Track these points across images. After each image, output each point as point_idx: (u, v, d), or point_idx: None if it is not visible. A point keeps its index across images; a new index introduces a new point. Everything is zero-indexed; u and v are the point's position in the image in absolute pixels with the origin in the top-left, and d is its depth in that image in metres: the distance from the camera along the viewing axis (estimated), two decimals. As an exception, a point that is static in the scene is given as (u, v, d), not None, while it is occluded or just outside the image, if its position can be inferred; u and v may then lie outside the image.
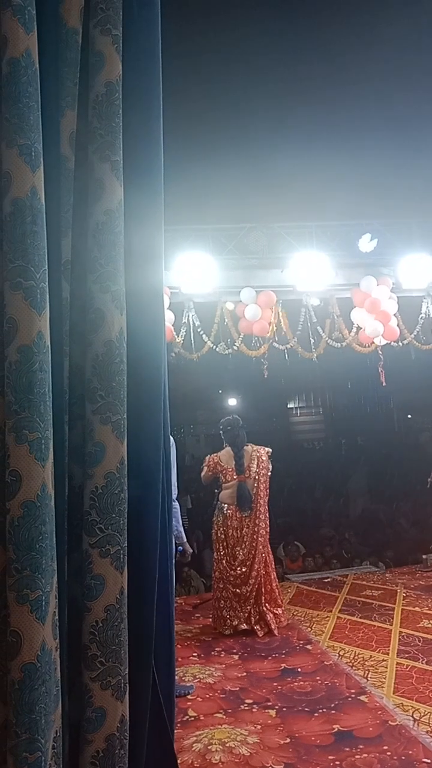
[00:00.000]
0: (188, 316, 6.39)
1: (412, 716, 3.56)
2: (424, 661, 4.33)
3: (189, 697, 4.04)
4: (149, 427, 1.64)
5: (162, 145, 1.83)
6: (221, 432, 5.57)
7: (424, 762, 3.10)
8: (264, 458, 5.38)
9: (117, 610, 1.46)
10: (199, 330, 6.42)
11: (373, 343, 6.68)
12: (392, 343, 6.77)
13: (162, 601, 1.64)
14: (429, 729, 3.41)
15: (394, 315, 6.63)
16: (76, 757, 1.45)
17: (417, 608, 5.57)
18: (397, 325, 6.67)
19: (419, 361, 7.53)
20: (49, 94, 1.44)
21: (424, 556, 6.76)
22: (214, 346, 6.48)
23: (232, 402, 14.80)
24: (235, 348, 6.56)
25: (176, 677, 4.09)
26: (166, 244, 2.04)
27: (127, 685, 1.49)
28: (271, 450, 5.49)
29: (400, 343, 6.84)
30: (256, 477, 5.31)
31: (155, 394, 1.68)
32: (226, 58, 6.37)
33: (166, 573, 1.69)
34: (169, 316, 6.10)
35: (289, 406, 18.23)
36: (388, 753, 3.20)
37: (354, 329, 6.78)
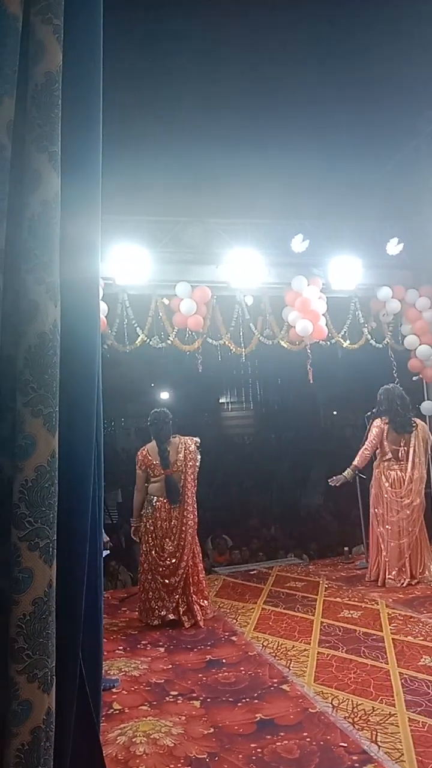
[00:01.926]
0: (122, 308, 6.34)
1: (331, 703, 3.69)
2: (343, 650, 4.49)
3: (114, 690, 4.04)
4: (82, 420, 1.64)
5: (101, 137, 1.82)
6: (148, 425, 5.60)
7: (341, 746, 3.23)
8: (192, 449, 5.42)
9: (45, 603, 1.46)
10: (132, 322, 6.38)
11: (302, 341, 6.83)
12: (321, 342, 6.95)
13: (90, 595, 1.65)
14: (347, 715, 3.55)
15: (323, 315, 6.81)
16: (1, 750, 1.44)
17: (338, 599, 5.77)
18: (326, 325, 6.85)
19: (345, 359, 7.78)
20: (-14, 81, 1.41)
21: (345, 549, 6.98)
22: (148, 340, 6.47)
23: (165, 396, 14.78)
24: (169, 342, 6.56)
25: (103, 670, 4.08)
26: (100, 234, 2.03)
27: (54, 677, 1.49)
28: (199, 440, 5.53)
29: (328, 342, 7.03)
30: (183, 469, 5.35)
31: (88, 387, 1.67)
32: (164, 50, 6.34)
33: (95, 567, 1.69)
34: (102, 308, 6.04)
35: (220, 400, 18.38)
36: (308, 739, 3.31)
37: (285, 327, 6.91)
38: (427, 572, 6.15)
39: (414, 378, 7.43)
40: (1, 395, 1.46)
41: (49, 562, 1.47)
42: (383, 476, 6.24)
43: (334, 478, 6.38)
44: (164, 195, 7.05)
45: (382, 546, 6.19)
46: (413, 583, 6.01)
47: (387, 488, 6.21)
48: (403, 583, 5.97)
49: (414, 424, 6.23)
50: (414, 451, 6.17)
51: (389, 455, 6.23)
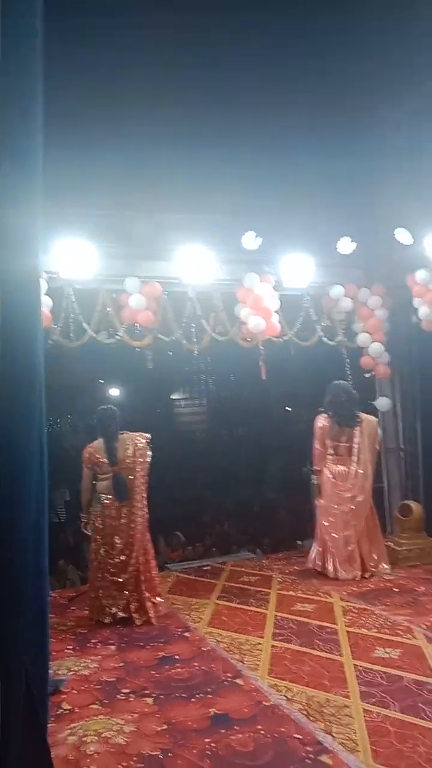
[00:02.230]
0: (67, 302, 6.21)
1: (285, 695, 3.72)
2: (297, 643, 4.52)
3: (63, 690, 3.97)
4: (23, 415, 1.58)
5: (41, 127, 1.76)
6: (95, 422, 5.53)
7: (296, 737, 3.25)
8: (142, 444, 5.37)
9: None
10: (79, 317, 6.25)
11: (255, 338, 6.85)
12: (273, 339, 6.98)
13: (36, 596, 1.59)
14: (300, 706, 3.58)
15: (276, 312, 6.84)
16: None
17: (291, 592, 5.82)
18: (279, 322, 6.88)
19: (298, 356, 7.81)
20: None
21: (298, 542, 7.05)
22: (96, 335, 6.35)
23: (115, 392, 14.61)
24: (118, 338, 6.47)
25: (50, 672, 4.00)
26: (44, 226, 1.97)
27: (-3, 680, 1.45)
28: (149, 436, 5.49)
29: (281, 339, 7.07)
30: (132, 466, 5.29)
31: (29, 379, 1.61)
32: (111, 40, 6.22)
33: (40, 567, 1.64)
34: (46, 302, 5.90)
35: (172, 397, 18.30)
36: (262, 732, 3.33)
37: (237, 324, 6.91)
38: (380, 566, 6.27)
39: (366, 375, 7.55)
40: None
41: (-10, 561, 1.42)
42: (327, 470, 6.36)
43: (314, 488, 6.58)
44: (112, 188, 6.92)
45: (326, 537, 6.31)
46: (366, 576, 6.11)
47: (329, 481, 6.34)
48: (356, 577, 6.07)
49: (359, 420, 6.32)
50: (357, 447, 6.28)
51: (330, 450, 6.38)
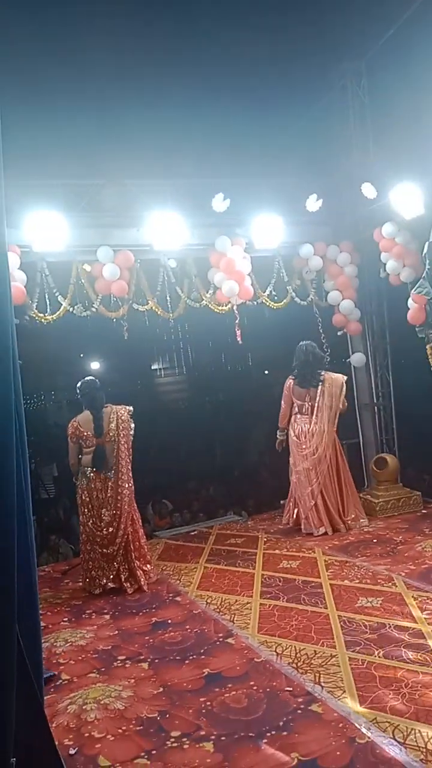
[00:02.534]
0: (41, 276, 6.12)
1: (275, 651, 3.83)
2: (284, 600, 4.64)
3: (61, 661, 4.04)
4: (-2, 393, 1.58)
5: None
6: (78, 396, 5.52)
7: (287, 690, 3.37)
8: (125, 417, 5.39)
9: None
10: (54, 291, 6.18)
11: (229, 302, 6.82)
12: (247, 302, 6.96)
13: (23, 569, 1.61)
14: (290, 660, 3.69)
15: (249, 275, 6.81)
16: None
17: (277, 551, 5.94)
18: (251, 285, 6.86)
19: (272, 319, 7.83)
20: None
21: (282, 502, 7.17)
22: (71, 308, 6.28)
23: (95, 366, 14.51)
24: (94, 309, 6.41)
25: (47, 645, 4.06)
26: (12, 200, 1.93)
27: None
28: (132, 408, 5.51)
29: (255, 302, 7.06)
30: (116, 438, 5.32)
31: (2, 357, 1.61)
32: (73, 4, 6.02)
33: (26, 541, 1.66)
34: (20, 277, 5.81)
35: (153, 367, 18.24)
36: (255, 687, 3.44)
37: (211, 289, 6.88)
38: (358, 519, 6.43)
39: (339, 333, 7.59)
40: None
41: (-26, 539, 1.43)
42: (291, 429, 6.58)
43: (277, 444, 6.76)
44: (78, 157, 6.78)
45: (296, 495, 6.52)
46: (340, 530, 6.26)
47: (293, 440, 6.56)
48: (325, 532, 6.24)
49: (321, 379, 6.41)
50: (317, 406, 6.38)
51: (296, 409, 6.56)
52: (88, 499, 5.33)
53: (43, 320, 6.12)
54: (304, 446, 6.46)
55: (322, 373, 6.47)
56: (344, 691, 3.28)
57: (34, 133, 5.85)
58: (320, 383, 6.42)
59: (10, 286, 1.72)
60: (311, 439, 6.44)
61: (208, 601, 4.83)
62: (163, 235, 6.44)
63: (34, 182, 6.10)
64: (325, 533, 6.24)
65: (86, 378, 5.58)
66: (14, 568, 1.56)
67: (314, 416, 6.44)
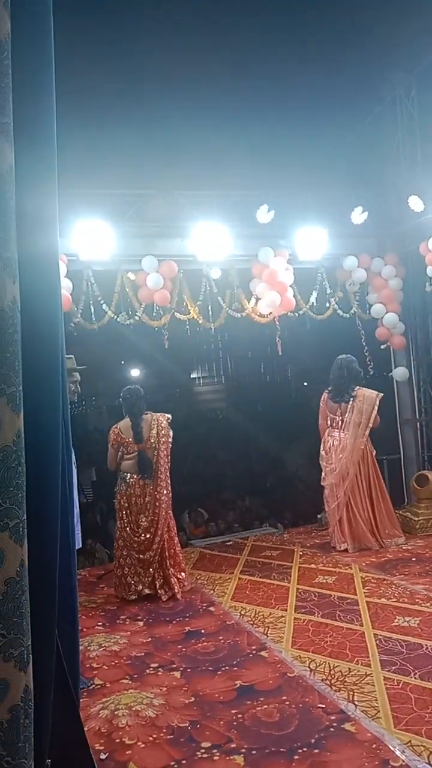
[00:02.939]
0: (87, 284, 6.24)
1: (309, 667, 3.78)
2: (319, 615, 4.59)
3: (94, 665, 4.07)
4: (47, 398, 1.62)
5: (54, 107, 1.77)
6: (121, 401, 5.60)
7: (319, 707, 3.32)
8: (164, 425, 5.44)
9: (18, 583, 1.45)
10: (99, 299, 6.29)
11: (270, 313, 6.83)
12: (289, 314, 6.96)
13: (63, 573, 1.64)
14: (324, 677, 3.64)
15: (291, 286, 6.81)
16: (-21, 730, 1.44)
17: (313, 565, 5.87)
18: (294, 296, 6.86)
19: (314, 330, 7.80)
20: None
21: (318, 516, 7.11)
22: (115, 316, 6.39)
23: (135, 373, 14.68)
24: (137, 318, 6.50)
25: (81, 648, 4.09)
26: (61, 209, 1.99)
27: (30, 655, 1.50)
28: (170, 416, 5.56)
29: (296, 314, 7.05)
30: (156, 444, 5.37)
31: (53, 365, 1.65)
32: (125, 19, 6.16)
33: (67, 545, 1.69)
34: (66, 285, 5.94)
35: (192, 376, 18.34)
36: (287, 702, 3.40)
37: (253, 300, 6.90)
38: (394, 537, 6.31)
39: (382, 346, 7.51)
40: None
41: (20, 541, 1.46)
42: (323, 442, 6.52)
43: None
44: (127, 168, 6.92)
45: (326, 508, 6.54)
46: (367, 548, 6.13)
47: (322, 453, 6.51)
48: (343, 548, 6.17)
49: (353, 395, 6.32)
50: (346, 421, 6.33)
51: (329, 422, 6.48)
52: (126, 504, 5.38)
53: (87, 327, 6.23)
54: (331, 461, 6.40)
55: (356, 388, 6.36)
56: (378, 711, 3.21)
57: (83, 143, 5.99)
58: (351, 398, 6.32)
59: (62, 294, 1.76)
60: (337, 455, 6.36)
61: (242, 612, 4.81)
62: (207, 246, 6.51)
63: (82, 191, 6.25)
64: (345, 549, 6.15)
65: (131, 386, 5.66)
66: (56, 572, 1.60)
67: (342, 432, 6.36)
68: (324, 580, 5.39)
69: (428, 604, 4.59)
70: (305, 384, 15.50)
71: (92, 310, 6.29)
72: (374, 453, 6.49)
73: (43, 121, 1.71)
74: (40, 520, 1.55)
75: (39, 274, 1.62)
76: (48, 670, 1.57)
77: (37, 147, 1.68)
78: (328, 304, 7.15)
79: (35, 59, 1.67)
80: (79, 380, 4.67)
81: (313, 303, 7.07)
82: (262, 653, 4.05)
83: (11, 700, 1.46)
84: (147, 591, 5.28)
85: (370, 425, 6.31)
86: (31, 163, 1.65)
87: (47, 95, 1.74)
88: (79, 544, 4.20)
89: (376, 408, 6.31)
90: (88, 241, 6.06)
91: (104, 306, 6.33)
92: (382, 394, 6.48)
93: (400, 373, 7.50)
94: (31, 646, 1.50)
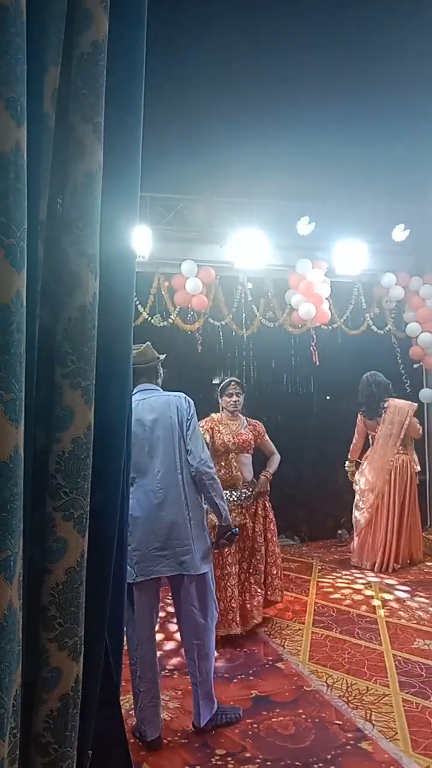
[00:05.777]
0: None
1: (326, 682, 3.77)
2: (337, 631, 4.57)
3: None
4: (116, 395, 1.64)
5: (142, 109, 1.81)
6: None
7: (336, 723, 3.31)
8: None
9: (77, 572, 1.47)
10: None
11: (304, 324, 6.84)
12: (322, 326, 6.95)
13: (117, 566, 1.67)
14: (341, 693, 3.63)
15: (327, 299, 6.81)
16: (30, 714, 1.47)
17: (331, 580, 5.86)
18: (329, 309, 6.86)
19: (345, 345, 7.76)
20: (34, 48, 1.38)
21: (339, 532, 7.07)
22: (150, 318, 6.44)
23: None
24: (171, 321, 6.54)
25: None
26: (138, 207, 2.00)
27: (83, 646, 1.52)
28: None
29: (330, 327, 7.04)
30: None
31: (123, 361, 1.67)
32: (176, 32, 6.21)
33: (123, 539, 1.71)
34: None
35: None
36: (303, 716, 3.39)
37: (287, 310, 6.91)
38: (416, 559, 6.25)
39: (415, 366, 7.46)
40: (37, 367, 1.46)
41: (82, 532, 1.48)
42: (362, 463, 6.48)
43: (349, 475, 6.62)
44: (169, 172, 6.95)
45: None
46: (386, 569, 6.06)
47: (357, 479, 6.49)
48: (367, 567, 6.14)
49: (385, 407, 6.22)
50: (377, 434, 6.27)
51: (371, 442, 6.42)
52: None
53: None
54: (358, 475, 6.40)
55: (387, 400, 6.28)
56: (396, 733, 3.19)
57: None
58: (383, 411, 6.24)
59: (134, 290, 1.80)
60: (365, 470, 6.35)
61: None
62: (244, 254, 6.53)
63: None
64: (366, 567, 6.12)
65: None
66: (111, 566, 1.62)
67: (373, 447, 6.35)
68: (343, 596, 5.37)
69: (449, 628, 4.55)
70: (327, 398, 15.40)
71: (128, 309, 6.33)
72: (417, 470, 6.31)
73: (132, 122, 1.74)
74: (100, 513, 1.58)
75: (117, 273, 1.65)
76: (96, 663, 1.59)
77: (125, 147, 1.72)
78: (363, 320, 7.13)
79: (128, 63, 1.71)
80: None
81: (347, 317, 7.06)
82: (279, 665, 4.05)
83: (63, 689, 1.48)
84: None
85: (401, 436, 6.16)
86: (118, 163, 1.69)
87: (137, 98, 1.78)
88: None
89: (410, 418, 6.15)
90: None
91: (139, 307, 6.37)
92: (416, 405, 6.36)
93: (426, 395, 7.43)
94: (83, 637, 1.52)
